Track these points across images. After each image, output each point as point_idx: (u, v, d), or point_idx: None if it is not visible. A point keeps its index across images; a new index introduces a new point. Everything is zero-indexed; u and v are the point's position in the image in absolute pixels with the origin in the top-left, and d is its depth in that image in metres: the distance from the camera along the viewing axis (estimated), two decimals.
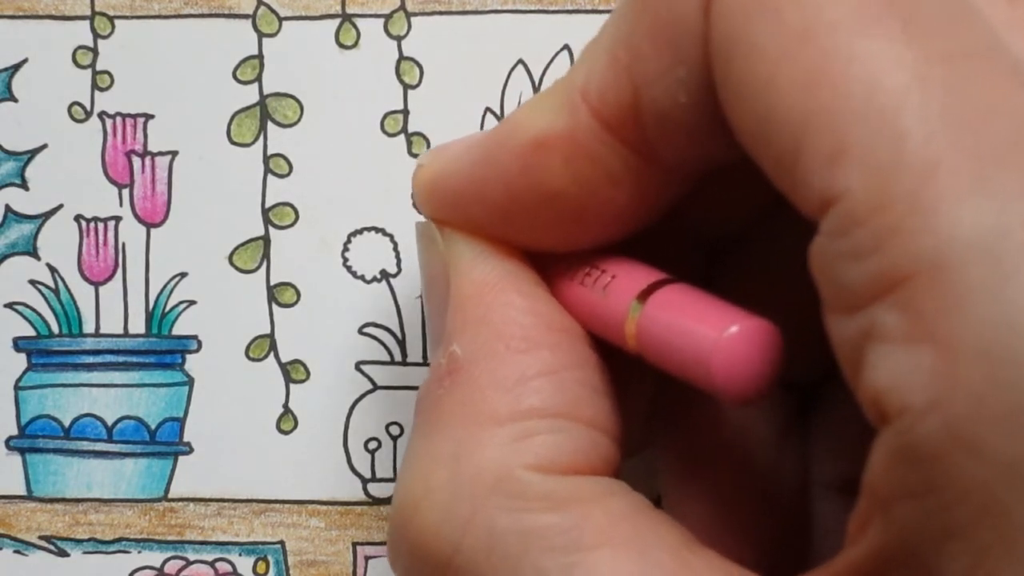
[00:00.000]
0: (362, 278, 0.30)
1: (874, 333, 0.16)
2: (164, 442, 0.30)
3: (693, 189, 0.22)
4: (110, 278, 0.31)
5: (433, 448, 0.21)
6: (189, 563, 0.30)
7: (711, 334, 0.20)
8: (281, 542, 0.30)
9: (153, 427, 0.30)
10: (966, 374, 0.15)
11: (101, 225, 0.30)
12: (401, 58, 0.30)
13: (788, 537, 0.24)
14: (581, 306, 0.22)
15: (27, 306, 0.31)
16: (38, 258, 0.31)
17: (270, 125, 0.30)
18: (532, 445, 0.20)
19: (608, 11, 0.30)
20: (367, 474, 0.30)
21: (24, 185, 0.31)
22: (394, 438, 0.30)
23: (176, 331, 0.30)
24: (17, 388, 0.31)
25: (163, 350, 0.30)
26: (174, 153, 0.30)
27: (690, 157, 0.21)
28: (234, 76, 0.30)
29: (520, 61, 0.30)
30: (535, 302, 0.22)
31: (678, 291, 0.21)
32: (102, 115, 0.30)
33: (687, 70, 0.19)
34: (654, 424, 0.25)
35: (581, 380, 0.21)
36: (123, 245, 0.30)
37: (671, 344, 0.20)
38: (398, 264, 0.30)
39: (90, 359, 0.31)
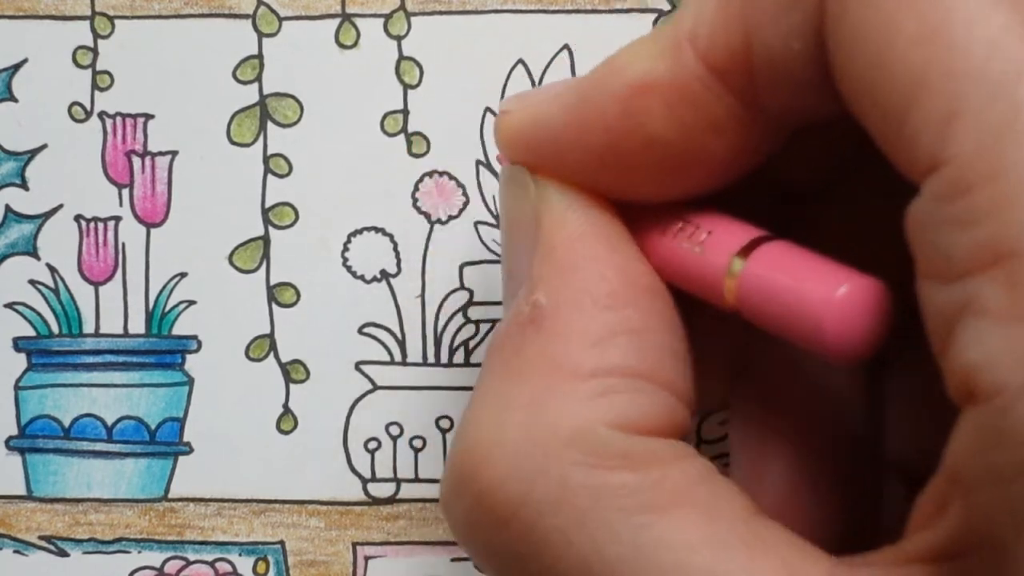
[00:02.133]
0: (362, 278, 0.30)
1: (971, 306, 0.16)
2: (164, 442, 0.30)
3: (787, 142, 0.21)
4: (110, 278, 0.31)
5: (510, 395, 0.21)
6: (189, 563, 0.30)
7: (822, 293, 0.19)
8: (281, 542, 0.30)
9: (153, 427, 0.30)
10: None
11: (101, 225, 0.30)
12: (401, 58, 0.30)
13: (854, 515, 0.24)
14: (673, 262, 0.22)
15: (27, 306, 0.31)
16: (38, 258, 0.31)
17: (270, 125, 0.30)
18: (612, 403, 0.20)
19: (608, 11, 0.30)
20: (367, 474, 0.30)
21: (24, 185, 0.31)
22: (394, 438, 0.30)
23: (176, 331, 0.30)
24: (17, 388, 0.31)
25: (163, 350, 0.30)
26: (174, 153, 0.30)
27: (795, 108, 0.20)
28: (234, 76, 0.30)
29: (520, 61, 0.30)
30: (625, 258, 0.22)
31: (780, 248, 0.20)
32: (102, 115, 0.30)
33: (802, 15, 0.19)
34: (729, 388, 0.25)
35: (663, 343, 0.21)
36: (123, 245, 0.30)
37: (777, 303, 0.20)
38: (398, 264, 0.30)
39: (90, 359, 0.31)
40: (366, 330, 0.30)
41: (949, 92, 0.16)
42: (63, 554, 0.31)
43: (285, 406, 0.30)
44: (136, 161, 0.30)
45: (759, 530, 0.19)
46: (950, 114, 0.16)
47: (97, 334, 0.31)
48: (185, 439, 0.30)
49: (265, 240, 0.30)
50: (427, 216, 0.30)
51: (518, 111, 0.23)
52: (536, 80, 0.30)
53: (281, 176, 0.30)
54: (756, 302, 0.20)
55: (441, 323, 0.30)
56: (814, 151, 0.23)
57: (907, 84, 0.17)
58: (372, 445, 0.30)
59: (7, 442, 0.31)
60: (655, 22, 0.30)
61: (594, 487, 0.19)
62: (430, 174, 0.30)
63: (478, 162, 0.30)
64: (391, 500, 0.30)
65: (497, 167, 0.30)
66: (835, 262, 0.20)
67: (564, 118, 0.22)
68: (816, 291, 0.19)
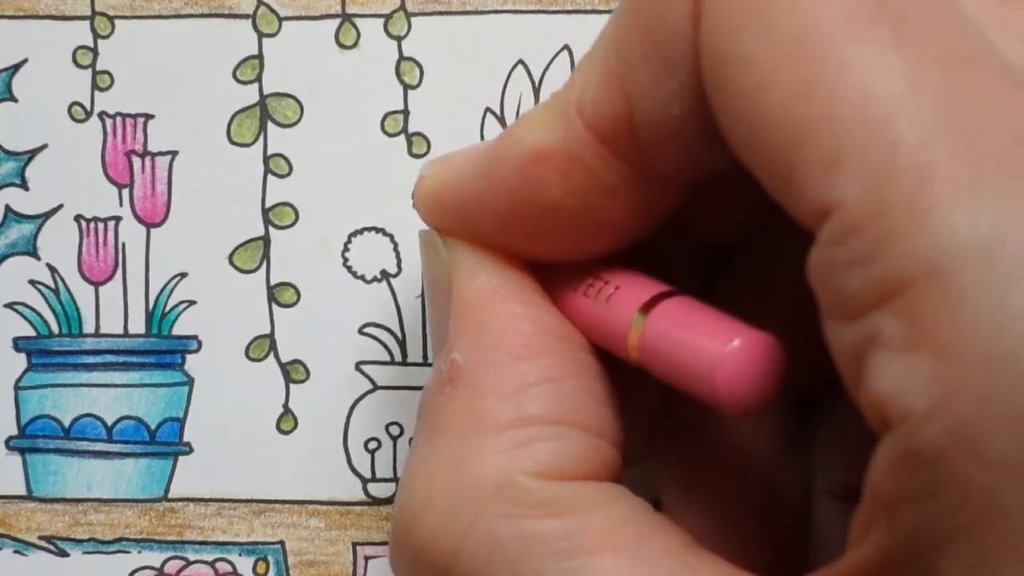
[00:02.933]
0: (362, 278, 0.30)
1: (874, 340, 0.16)
2: (164, 442, 0.30)
3: (690, 197, 0.22)
4: (110, 278, 0.31)
5: (435, 454, 0.21)
6: (189, 563, 0.30)
7: (714, 348, 0.20)
8: (281, 542, 0.30)
9: (153, 427, 0.30)
10: (966, 379, 0.15)
11: (101, 225, 0.30)
12: (401, 58, 0.30)
13: (789, 543, 0.24)
14: (584, 317, 0.23)
15: (27, 306, 0.31)
16: (38, 258, 0.31)
17: (270, 125, 0.30)
18: (533, 452, 0.20)
19: (608, 11, 0.30)
20: (367, 474, 0.30)
21: (24, 185, 0.31)
22: (394, 438, 0.30)
23: (176, 331, 0.30)
24: (17, 388, 0.31)
25: (163, 350, 0.30)
26: (174, 153, 0.30)
27: (685, 167, 0.21)
28: (234, 76, 0.30)
29: (520, 61, 0.30)
30: (536, 310, 0.22)
31: (680, 303, 0.21)
32: (102, 115, 0.30)
33: (678, 82, 0.19)
34: (655, 434, 0.25)
35: (582, 388, 0.22)
36: (123, 245, 0.30)
37: (674, 357, 0.20)
38: (398, 264, 0.30)
39: (90, 359, 0.31)
40: (366, 330, 0.30)
41: (828, 140, 0.17)
42: (63, 554, 0.31)
43: (285, 406, 0.30)
44: (136, 161, 0.30)
45: (690, 563, 0.19)
46: (831, 161, 0.17)
47: (97, 334, 0.31)
48: (185, 439, 0.30)
49: (265, 240, 0.30)
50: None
51: (432, 176, 0.24)
52: (536, 80, 0.30)
53: (281, 176, 0.30)
54: (656, 357, 0.21)
55: None
56: (728, 201, 0.23)
57: (789, 137, 0.17)
58: (372, 445, 0.30)
59: (7, 442, 0.31)
60: None
61: (521, 537, 0.19)
62: None
63: None
64: (391, 500, 0.30)
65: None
66: (731, 318, 0.20)
67: (471, 185, 0.23)
68: (709, 346, 0.20)
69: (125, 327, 0.31)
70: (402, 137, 0.30)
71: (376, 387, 0.30)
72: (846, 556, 0.17)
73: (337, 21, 0.30)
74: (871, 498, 0.17)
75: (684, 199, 0.22)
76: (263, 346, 0.30)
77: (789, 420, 0.25)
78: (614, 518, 0.20)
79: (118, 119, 0.30)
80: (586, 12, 0.30)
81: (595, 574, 0.19)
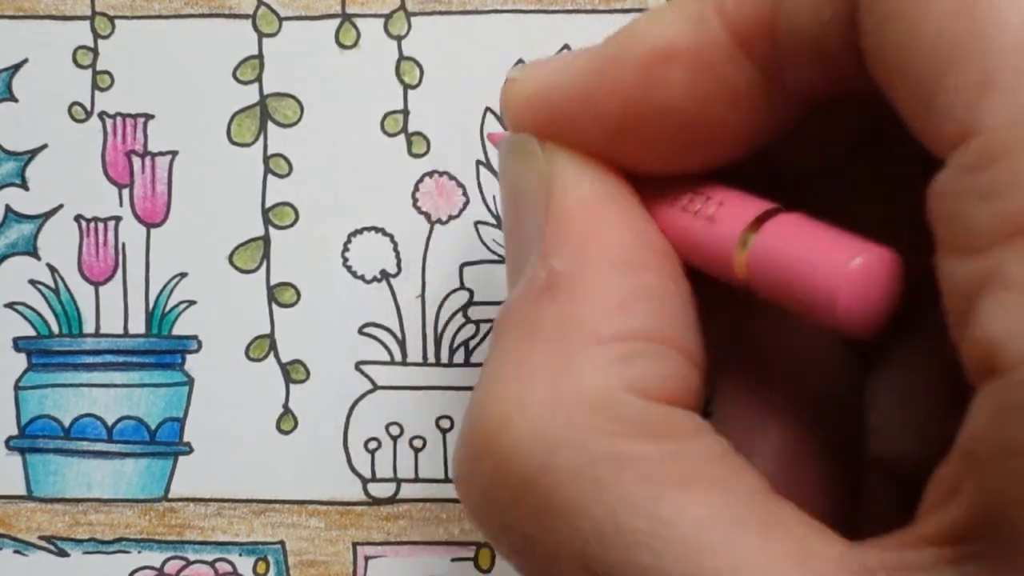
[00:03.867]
0: (362, 278, 0.30)
1: (994, 279, 0.15)
2: (164, 442, 0.30)
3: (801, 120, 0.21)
4: (110, 278, 0.31)
5: (528, 363, 0.20)
6: (189, 563, 0.30)
7: (835, 265, 0.19)
8: (281, 542, 0.30)
9: (153, 427, 0.30)
10: None
11: (101, 225, 0.30)
12: (401, 58, 0.30)
13: (846, 499, 0.23)
14: (682, 233, 0.21)
15: (27, 306, 0.31)
16: (38, 258, 0.31)
17: (270, 125, 0.30)
18: (634, 368, 0.19)
19: (609, 11, 0.30)
20: (367, 474, 0.30)
21: (24, 185, 0.31)
22: (394, 438, 0.30)
23: (176, 331, 0.30)
24: (17, 388, 0.31)
25: (163, 350, 0.30)
26: (174, 153, 0.30)
27: (819, 82, 0.20)
28: (234, 76, 0.30)
29: (520, 61, 0.30)
30: (640, 223, 0.21)
31: (793, 220, 0.20)
32: (102, 115, 0.30)
33: None
34: (717, 369, 0.24)
35: (679, 308, 0.21)
36: (123, 245, 0.30)
37: (789, 275, 0.19)
38: (398, 264, 0.30)
39: (90, 359, 0.31)
40: (366, 330, 0.30)
41: (983, 62, 0.16)
42: (63, 554, 0.31)
43: (285, 406, 0.30)
44: (136, 161, 0.30)
45: (774, 509, 0.18)
46: (983, 85, 0.16)
47: (97, 334, 0.31)
48: (185, 439, 0.30)
49: (265, 240, 0.30)
50: (427, 216, 0.30)
51: (528, 79, 0.22)
52: None
53: (281, 176, 0.30)
54: (768, 275, 0.20)
55: (441, 323, 0.30)
56: (822, 133, 0.22)
57: (941, 55, 0.16)
58: (372, 445, 0.30)
59: (7, 442, 0.31)
60: None
61: (615, 456, 0.18)
62: (430, 174, 0.30)
63: (478, 162, 0.30)
64: (391, 500, 0.30)
65: (495, 160, 0.30)
66: (848, 233, 0.19)
67: (579, 85, 0.21)
68: (829, 263, 0.19)
69: (125, 327, 0.31)
70: (402, 137, 0.30)
71: (376, 387, 0.30)
72: (928, 518, 0.17)
73: (337, 21, 0.30)
74: (962, 455, 0.16)
75: (802, 117, 0.21)
76: (263, 346, 0.30)
77: (853, 373, 0.23)
78: (704, 452, 0.19)
79: (118, 119, 0.30)
80: (586, 12, 0.30)
81: (682, 506, 0.18)
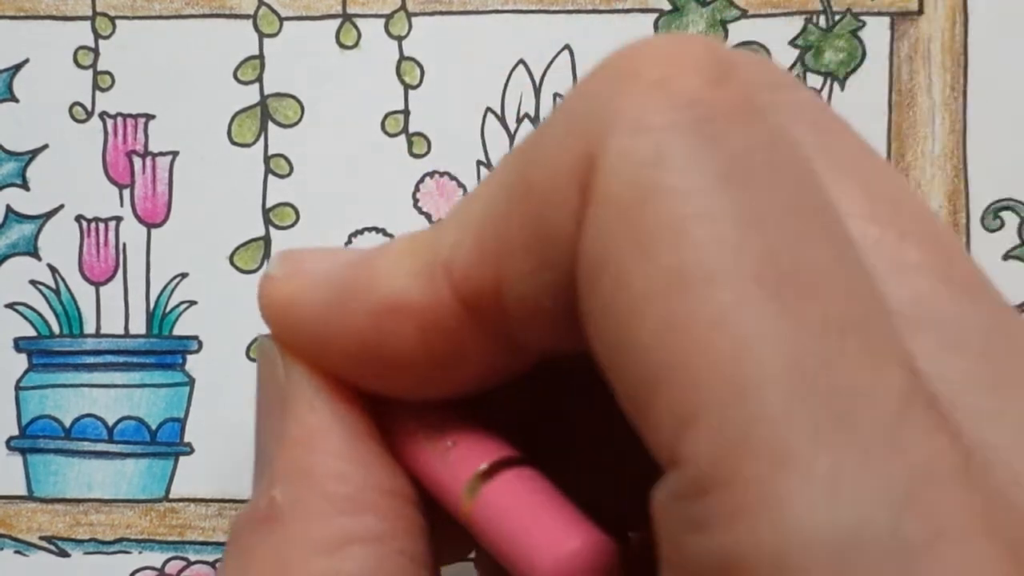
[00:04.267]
0: None
1: None
2: (165, 442, 0.30)
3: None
4: (111, 278, 0.31)
5: None
6: (190, 563, 0.30)
7: (548, 550, 0.19)
8: None
9: (154, 427, 0.30)
10: None
11: (102, 225, 0.30)
12: (402, 58, 0.30)
13: None
14: (422, 466, 0.21)
15: (28, 306, 0.31)
16: (39, 258, 0.31)
17: (271, 125, 0.30)
18: None
19: (609, 11, 0.30)
20: None
21: (25, 185, 0.31)
22: None
23: (177, 331, 0.30)
24: (18, 388, 0.31)
25: (164, 350, 0.30)
26: (175, 153, 0.30)
27: (549, 346, 0.20)
28: (235, 76, 0.30)
29: (521, 61, 0.30)
30: (369, 458, 0.21)
31: (520, 478, 0.20)
32: (103, 115, 0.30)
33: (552, 277, 0.18)
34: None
35: (403, 549, 0.20)
36: (124, 245, 0.30)
37: (505, 541, 0.19)
38: None
39: (91, 359, 0.31)
40: None
41: (688, 393, 0.15)
42: (64, 554, 0.31)
43: None
44: (137, 161, 0.30)
45: None
46: (690, 415, 0.15)
47: (98, 334, 0.31)
48: (186, 439, 0.30)
49: (266, 240, 0.30)
50: (428, 216, 0.30)
51: (283, 283, 0.22)
52: (537, 80, 0.30)
53: (282, 176, 0.30)
54: (487, 531, 0.20)
55: None
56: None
57: (648, 374, 0.16)
58: None
59: (8, 442, 0.31)
60: (655, 22, 0.30)
61: None
62: (431, 174, 0.30)
63: (479, 162, 0.30)
64: None
65: (495, 160, 0.30)
66: (570, 509, 0.19)
67: (320, 310, 0.21)
68: (542, 543, 0.19)
69: (126, 327, 0.31)
70: (403, 137, 0.30)
71: None
72: None
73: (338, 21, 0.30)
74: None
75: (542, 360, 0.21)
76: None
77: None
78: None
79: (119, 119, 0.30)
80: (587, 12, 0.30)
81: None
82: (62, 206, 0.31)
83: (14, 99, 0.31)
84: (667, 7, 0.30)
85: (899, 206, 0.18)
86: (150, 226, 0.30)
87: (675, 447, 0.15)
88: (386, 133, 0.30)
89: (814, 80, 0.30)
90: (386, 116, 0.30)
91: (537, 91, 0.30)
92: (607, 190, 0.17)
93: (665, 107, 0.17)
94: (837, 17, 0.30)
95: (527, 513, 0.19)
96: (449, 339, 0.20)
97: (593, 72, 0.18)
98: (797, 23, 0.30)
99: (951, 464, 0.15)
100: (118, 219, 0.30)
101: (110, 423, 0.30)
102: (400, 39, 0.30)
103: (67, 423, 0.30)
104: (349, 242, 0.30)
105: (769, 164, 0.16)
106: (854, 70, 0.30)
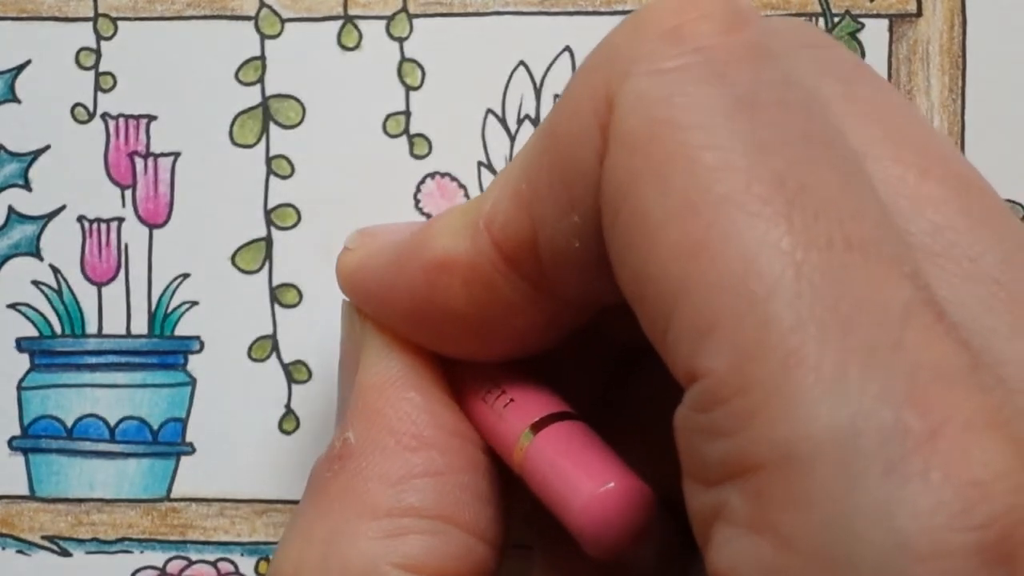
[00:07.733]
0: None
1: (722, 512, 0.16)
2: (166, 442, 0.30)
3: (596, 314, 0.22)
4: (113, 279, 0.31)
5: (310, 530, 0.22)
6: (191, 563, 0.30)
7: (587, 487, 0.20)
8: None
9: (155, 427, 0.30)
10: (801, 572, 0.15)
11: (104, 226, 0.31)
12: (403, 59, 0.30)
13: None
14: (480, 420, 0.23)
15: (30, 307, 0.31)
16: (41, 259, 0.31)
17: (272, 126, 0.30)
18: (404, 543, 0.21)
19: (609, 12, 0.30)
20: None
21: (27, 186, 0.31)
22: None
23: (178, 332, 0.30)
24: (20, 388, 0.31)
25: (165, 351, 0.30)
26: (176, 154, 0.31)
27: (586, 293, 0.21)
28: (236, 77, 0.30)
29: (522, 63, 0.30)
30: (433, 403, 0.23)
31: (568, 430, 0.22)
32: (105, 116, 0.30)
33: (580, 217, 0.19)
34: (536, 533, 0.25)
35: (466, 485, 0.22)
36: (126, 246, 0.31)
37: (550, 483, 0.21)
38: None
39: (93, 359, 0.31)
40: None
41: (704, 308, 0.16)
42: (66, 554, 0.31)
43: (287, 407, 0.30)
44: (139, 162, 0.30)
45: None
46: (705, 329, 0.16)
47: (100, 335, 0.31)
48: (187, 439, 0.30)
49: (267, 241, 0.30)
50: (429, 217, 0.30)
51: (354, 253, 0.24)
52: (538, 82, 0.30)
53: (283, 177, 0.30)
54: (535, 476, 0.21)
55: None
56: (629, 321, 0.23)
57: (667, 295, 0.17)
58: None
59: (10, 442, 0.31)
60: None
61: None
62: (432, 175, 0.30)
63: (480, 163, 0.30)
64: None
65: (496, 161, 0.30)
66: (612, 457, 0.21)
67: (381, 274, 0.23)
68: (582, 483, 0.20)
69: (128, 327, 0.31)
70: (404, 138, 0.30)
71: None
72: None
73: (339, 23, 0.30)
74: None
75: (586, 319, 0.22)
76: (265, 347, 0.30)
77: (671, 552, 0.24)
78: None
79: (121, 120, 0.30)
80: (588, 13, 0.30)
81: None
82: (64, 207, 0.31)
83: (16, 100, 0.31)
84: None
85: (924, 149, 0.19)
86: (152, 227, 0.31)
87: (693, 362, 0.17)
88: (387, 134, 0.30)
89: None
90: (387, 117, 0.30)
91: (538, 92, 0.30)
92: (624, 128, 0.18)
93: (678, 52, 0.18)
94: (836, 19, 0.30)
95: (571, 459, 0.21)
96: (493, 292, 0.21)
97: (615, 27, 0.19)
98: None
99: (957, 365, 0.15)
100: (120, 220, 0.31)
101: (112, 423, 0.30)
102: (401, 40, 0.30)
103: (69, 423, 0.31)
104: None
105: (778, 100, 0.17)
106: None
